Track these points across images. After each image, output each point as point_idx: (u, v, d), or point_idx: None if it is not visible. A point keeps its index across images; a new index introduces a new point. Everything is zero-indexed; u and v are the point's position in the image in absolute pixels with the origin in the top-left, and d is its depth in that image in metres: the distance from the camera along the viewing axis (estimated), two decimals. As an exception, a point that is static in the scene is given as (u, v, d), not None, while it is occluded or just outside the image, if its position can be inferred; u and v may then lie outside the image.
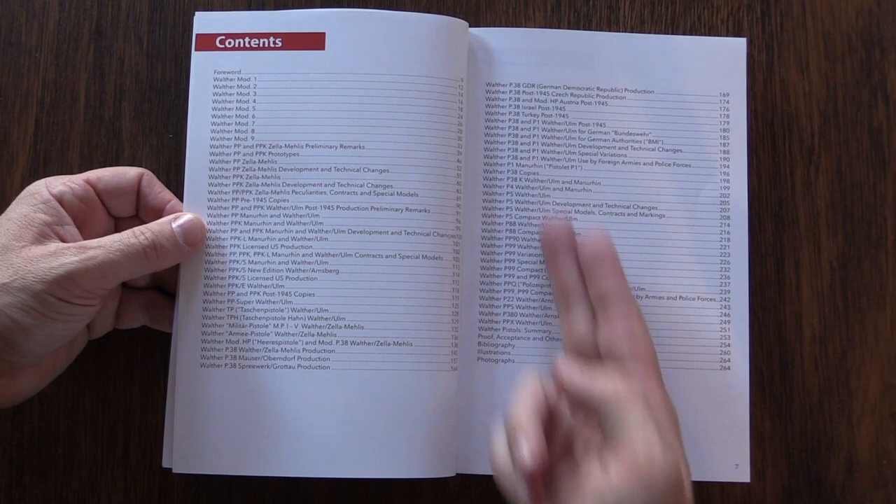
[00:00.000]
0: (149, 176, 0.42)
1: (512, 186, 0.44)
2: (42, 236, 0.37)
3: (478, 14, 0.46)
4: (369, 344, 0.41)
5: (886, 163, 0.46)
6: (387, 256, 0.41)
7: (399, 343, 0.41)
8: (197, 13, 0.44)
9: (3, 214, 0.38)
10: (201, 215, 0.41)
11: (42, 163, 0.45)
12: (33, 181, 0.40)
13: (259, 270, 0.41)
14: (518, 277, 0.43)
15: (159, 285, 0.43)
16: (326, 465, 0.40)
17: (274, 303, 0.41)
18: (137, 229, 0.39)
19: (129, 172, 0.41)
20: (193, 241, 0.40)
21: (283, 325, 0.41)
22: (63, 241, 0.38)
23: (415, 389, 0.41)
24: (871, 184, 0.46)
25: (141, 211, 0.42)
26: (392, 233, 0.41)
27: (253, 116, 0.42)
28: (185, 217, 0.40)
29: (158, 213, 0.41)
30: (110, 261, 0.37)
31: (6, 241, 0.37)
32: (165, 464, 0.41)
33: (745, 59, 0.45)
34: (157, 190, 0.42)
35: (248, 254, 0.42)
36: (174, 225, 0.40)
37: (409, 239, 0.41)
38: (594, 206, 0.44)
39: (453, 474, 0.42)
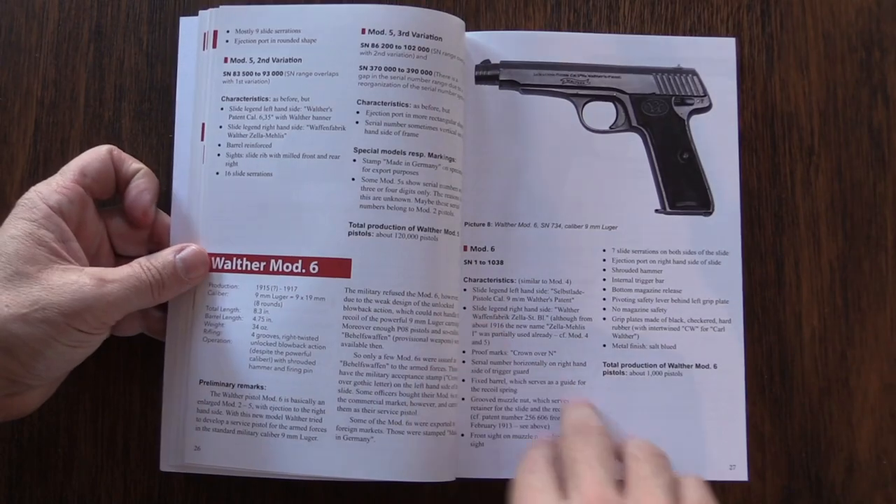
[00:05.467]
0: (116, 150, 0.42)
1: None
2: (53, 255, 0.37)
3: (477, 14, 0.46)
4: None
5: (886, 163, 0.46)
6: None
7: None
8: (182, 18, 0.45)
9: (4, 230, 0.38)
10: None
11: (42, 163, 0.45)
12: (33, 181, 0.40)
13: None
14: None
15: None
16: (326, 465, 0.40)
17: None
18: (145, 263, 0.39)
19: (102, 154, 0.41)
20: (195, 275, 0.41)
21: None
22: (70, 258, 0.38)
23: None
24: (871, 184, 0.46)
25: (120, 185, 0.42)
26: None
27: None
28: (188, 249, 0.41)
29: (127, 184, 0.42)
30: (124, 297, 0.38)
31: (19, 264, 0.36)
32: (163, 467, 0.42)
33: (735, 59, 0.45)
34: (129, 163, 0.42)
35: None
36: (177, 258, 0.41)
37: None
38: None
39: (453, 479, 0.41)
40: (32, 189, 0.39)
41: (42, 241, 0.37)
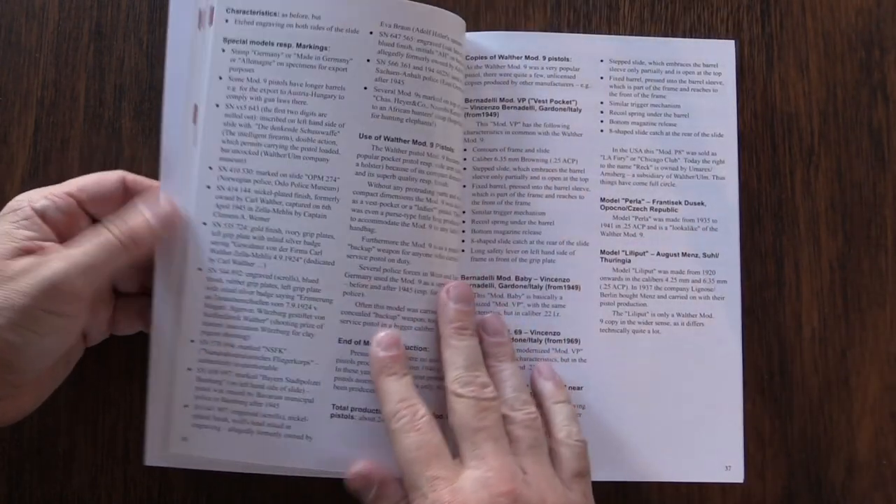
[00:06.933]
0: (130, 175, 0.41)
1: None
2: (25, 252, 0.36)
3: (477, 14, 0.46)
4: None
5: (886, 163, 0.46)
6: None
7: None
8: None
9: None
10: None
11: (42, 163, 0.45)
12: (33, 181, 0.40)
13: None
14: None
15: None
16: (321, 461, 0.40)
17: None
18: (108, 221, 0.38)
19: (110, 178, 0.40)
20: (168, 223, 0.40)
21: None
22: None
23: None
24: (871, 184, 0.46)
25: None
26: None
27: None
28: (153, 198, 0.40)
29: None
30: (90, 261, 0.36)
31: None
32: (148, 461, 0.41)
33: (734, 61, 0.45)
34: (147, 185, 0.41)
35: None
36: (142, 207, 0.39)
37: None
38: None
39: None
40: (24, 192, 0.39)
41: (16, 238, 0.37)
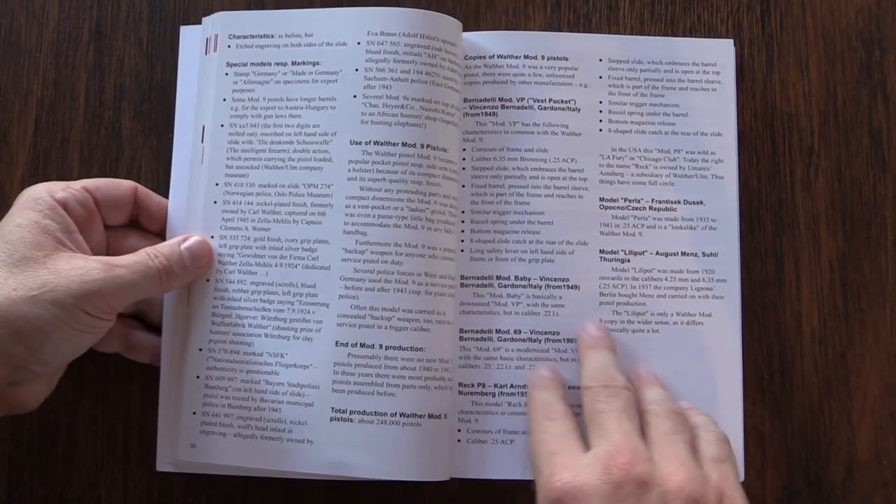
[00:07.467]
0: (142, 188, 0.43)
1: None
2: (59, 244, 0.38)
3: (477, 14, 0.46)
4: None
5: (886, 163, 0.46)
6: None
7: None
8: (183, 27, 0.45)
9: (9, 220, 0.38)
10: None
11: (42, 163, 0.45)
12: (33, 181, 0.40)
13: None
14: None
15: (139, 315, 0.44)
16: (323, 464, 0.40)
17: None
18: (151, 251, 0.40)
19: (123, 184, 0.42)
20: (201, 264, 0.41)
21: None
22: (75, 249, 0.38)
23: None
24: (871, 184, 0.46)
25: (143, 220, 0.43)
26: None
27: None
28: (193, 239, 0.41)
29: (162, 220, 0.43)
30: (133, 281, 0.38)
31: (25, 250, 0.37)
32: (160, 467, 0.42)
33: (733, 60, 0.45)
34: (156, 199, 0.43)
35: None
36: (182, 247, 0.41)
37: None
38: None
39: (447, 478, 0.41)
40: (40, 184, 0.40)
41: (48, 230, 0.38)
